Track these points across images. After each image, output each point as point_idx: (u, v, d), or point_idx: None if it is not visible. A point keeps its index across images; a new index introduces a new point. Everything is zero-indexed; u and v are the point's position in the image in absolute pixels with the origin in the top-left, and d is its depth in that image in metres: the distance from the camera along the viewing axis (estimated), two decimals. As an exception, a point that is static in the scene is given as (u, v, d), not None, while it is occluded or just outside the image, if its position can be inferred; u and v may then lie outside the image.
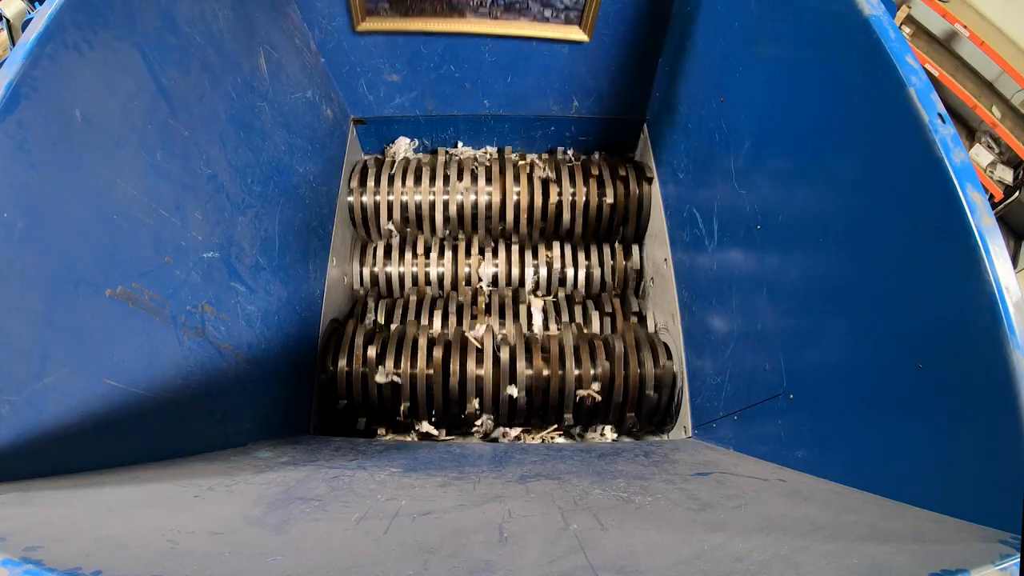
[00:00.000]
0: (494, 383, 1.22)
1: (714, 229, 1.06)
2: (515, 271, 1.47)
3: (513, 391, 1.22)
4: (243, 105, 1.01)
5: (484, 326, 1.34)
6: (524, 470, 0.83)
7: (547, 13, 1.27)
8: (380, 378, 1.23)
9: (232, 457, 0.85)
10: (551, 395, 1.23)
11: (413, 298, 1.42)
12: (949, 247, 0.53)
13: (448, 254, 1.49)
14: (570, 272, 1.48)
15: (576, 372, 1.22)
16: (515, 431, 1.29)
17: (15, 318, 0.58)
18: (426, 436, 1.28)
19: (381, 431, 1.31)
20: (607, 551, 0.49)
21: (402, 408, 1.24)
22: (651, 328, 1.35)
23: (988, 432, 0.50)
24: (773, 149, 0.87)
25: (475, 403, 1.23)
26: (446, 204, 1.46)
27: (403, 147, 1.56)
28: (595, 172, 1.46)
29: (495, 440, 1.29)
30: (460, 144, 1.57)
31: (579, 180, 1.45)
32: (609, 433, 1.30)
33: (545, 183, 1.46)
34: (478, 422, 1.26)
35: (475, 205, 1.47)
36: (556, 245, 1.49)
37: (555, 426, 1.29)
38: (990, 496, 0.50)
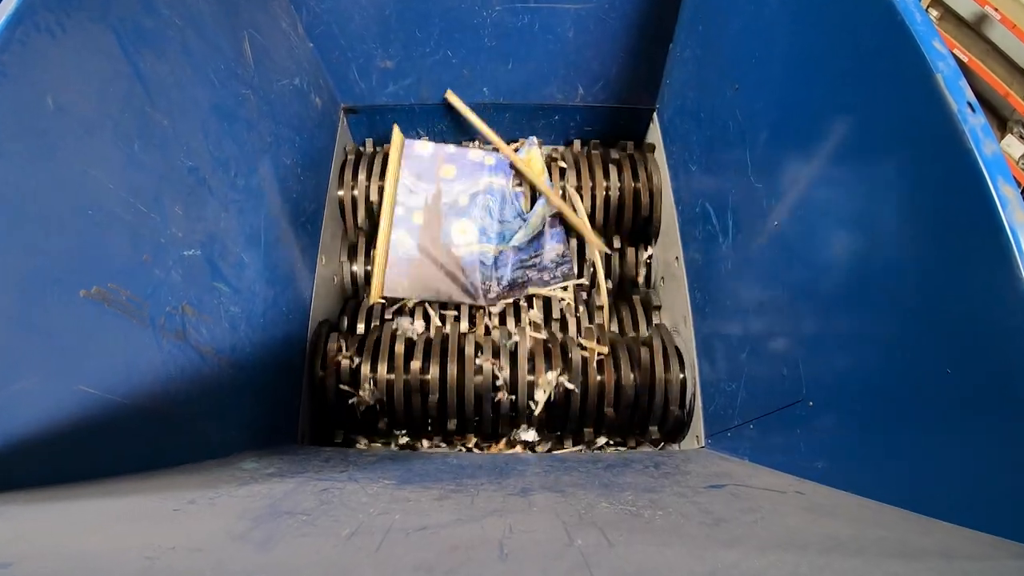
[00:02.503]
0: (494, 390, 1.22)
1: (729, 225, 1.06)
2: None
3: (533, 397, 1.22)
4: (226, 93, 1.01)
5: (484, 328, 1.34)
6: (526, 482, 0.83)
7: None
8: (366, 395, 1.22)
9: (215, 468, 0.85)
10: (572, 406, 1.23)
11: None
12: (979, 244, 0.53)
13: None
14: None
15: (599, 379, 1.22)
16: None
17: (-17, 320, 0.58)
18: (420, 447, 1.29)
19: (367, 443, 1.31)
20: (614, 569, 0.49)
21: (401, 441, 1.24)
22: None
23: (1022, 441, 0.50)
24: (792, 140, 0.86)
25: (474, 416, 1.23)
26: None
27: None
28: (595, 151, 1.46)
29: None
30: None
31: (584, 168, 1.45)
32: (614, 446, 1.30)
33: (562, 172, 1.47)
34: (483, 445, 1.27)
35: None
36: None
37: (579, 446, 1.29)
38: (1024, 510, 0.50)
